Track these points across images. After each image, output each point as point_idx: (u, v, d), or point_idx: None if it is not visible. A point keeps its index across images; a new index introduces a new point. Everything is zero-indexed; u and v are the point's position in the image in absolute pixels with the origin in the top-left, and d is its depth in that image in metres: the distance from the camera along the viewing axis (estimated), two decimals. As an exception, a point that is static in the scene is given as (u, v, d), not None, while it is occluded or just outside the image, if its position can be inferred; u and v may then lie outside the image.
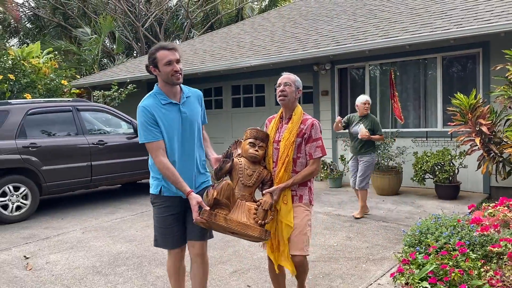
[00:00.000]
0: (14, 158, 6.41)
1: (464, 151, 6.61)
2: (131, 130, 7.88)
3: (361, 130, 5.96)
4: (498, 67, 5.98)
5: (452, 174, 6.80)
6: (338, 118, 6.06)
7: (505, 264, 3.61)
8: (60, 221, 6.43)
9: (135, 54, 23.42)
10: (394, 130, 7.80)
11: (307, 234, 2.90)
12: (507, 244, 3.51)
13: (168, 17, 21.96)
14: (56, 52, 14.09)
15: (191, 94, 2.91)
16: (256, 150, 2.84)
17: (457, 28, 6.61)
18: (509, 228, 3.76)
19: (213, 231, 2.92)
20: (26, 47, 12.48)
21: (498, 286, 3.37)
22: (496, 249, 3.60)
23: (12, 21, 21.62)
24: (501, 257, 3.72)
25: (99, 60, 17.87)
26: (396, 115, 7.43)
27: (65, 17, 21.64)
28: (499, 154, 6.08)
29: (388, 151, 7.52)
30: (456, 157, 6.89)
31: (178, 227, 2.86)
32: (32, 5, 22.18)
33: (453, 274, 3.23)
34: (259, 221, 2.65)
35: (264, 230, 2.66)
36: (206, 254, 2.94)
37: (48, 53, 12.63)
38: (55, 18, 21.40)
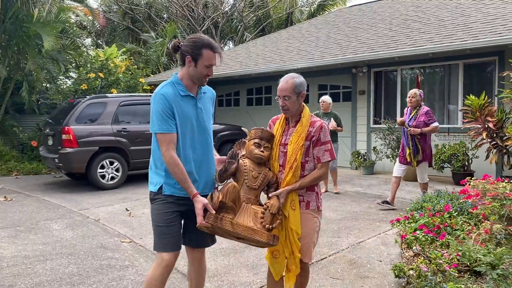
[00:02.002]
0: (111, 139, 8.14)
1: (476, 144, 7.66)
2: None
3: (331, 122, 7.42)
4: (505, 74, 7.01)
5: (465, 163, 7.86)
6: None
7: (480, 222, 4.79)
8: (143, 189, 8.09)
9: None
10: (419, 125, 8.90)
11: (314, 242, 2.78)
12: (480, 207, 4.68)
13: (223, 21, 23.61)
14: (129, 53, 16.06)
15: (207, 91, 2.75)
16: (262, 151, 2.67)
17: (473, 40, 7.66)
18: (487, 197, 4.89)
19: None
20: (103, 49, 14.44)
21: (475, 239, 4.58)
22: (475, 211, 4.78)
23: (85, 23, 24.05)
24: (478, 217, 4.91)
25: (162, 60, 19.80)
26: (420, 112, 8.55)
27: (133, 20, 23.85)
28: (504, 146, 7.11)
29: (413, 143, 8.65)
30: (469, 149, 7.92)
31: (179, 227, 2.63)
32: (104, 9, 24.56)
33: (429, 219, 4.46)
34: (267, 225, 2.49)
35: (272, 235, 2.50)
36: (204, 259, 2.84)
37: (122, 54, 14.55)
38: (124, 22, 23.64)
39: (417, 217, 5.00)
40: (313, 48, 11.45)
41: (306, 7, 25.24)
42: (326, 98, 7.65)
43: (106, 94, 8.95)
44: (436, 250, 4.14)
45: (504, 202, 4.73)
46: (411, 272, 3.59)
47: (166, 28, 19.39)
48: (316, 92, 11.44)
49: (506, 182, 5.06)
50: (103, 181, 8.07)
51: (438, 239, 4.37)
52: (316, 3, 23.97)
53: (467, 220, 4.91)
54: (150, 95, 9.65)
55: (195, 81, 2.57)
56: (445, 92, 9.09)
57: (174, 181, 2.53)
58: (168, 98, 2.48)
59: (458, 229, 4.71)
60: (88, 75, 10.73)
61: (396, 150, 8.79)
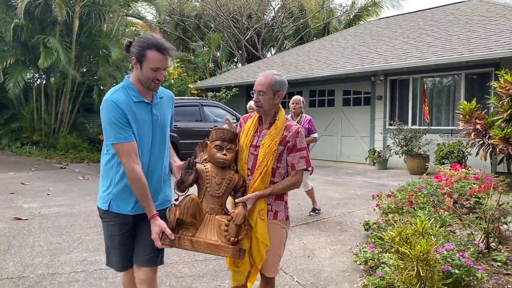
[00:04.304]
0: (164, 134, 9.88)
1: (468, 142, 8.77)
2: (235, 121, 11.05)
3: None
4: (491, 83, 8.10)
5: (460, 159, 8.96)
6: (226, 116, 7.19)
7: (443, 200, 6.03)
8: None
9: (235, 60, 27.16)
10: (424, 127, 10.06)
11: (281, 255, 2.57)
12: (446, 188, 5.92)
13: (265, 31, 25.21)
14: (180, 61, 17.98)
15: (164, 95, 2.47)
16: (224, 154, 2.41)
17: (468, 54, 8.76)
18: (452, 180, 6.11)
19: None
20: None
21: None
22: (442, 191, 6.03)
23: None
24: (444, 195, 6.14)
25: (208, 66, 21.69)
26: (425, 115, 9.73)
27: (183, 30, 25.96)
28: (490, 145, 8.20)
29: (419, 142, 9.83)
30: (465, 148, 9.02)
31: (128, 247, 2.38)
32: (159, 21, 26.85)
33: (406, 196, 5.77)
34: (231, 238, 2.24)
35: (237, 249, 2.26)
36: (155, 282, 2.45)
37: (175, 62, 16.45)
38: (176, 32, 25.79)
39: (397, 195, 6.29)
40: (338, 58, 12.77)
41: (343, 18, 26.37)
42: (250, 103, 7.09)
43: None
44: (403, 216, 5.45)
45: (462, 183, 5.98)
46: (374, 225, 4.96)
47: (211, 37, 21.24)
48: (341, 96, 12.75)
49: (466, 169, 6.28)
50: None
51: (404, 208, 5.66)
52: (352, 14, 25.08)
53: (435, 198, 6.16)
54: (197, 98, 11.37)
55: (145, 86, 2.29)
56: (450, 98, 10.18)
57: (122, 197, 2.31)
58: (120, 105, 2.22)
59: (426, 203, 5.98)
60: (146, 81, 12.57)
61: (403, 147, 10.00)
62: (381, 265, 3.82)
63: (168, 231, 2.21)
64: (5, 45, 12.78)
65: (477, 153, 8.53)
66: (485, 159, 8.41)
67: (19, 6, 11.46)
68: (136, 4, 15.19)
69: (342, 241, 4.82)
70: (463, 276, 3.31)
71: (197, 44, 22.79)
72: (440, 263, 3.28)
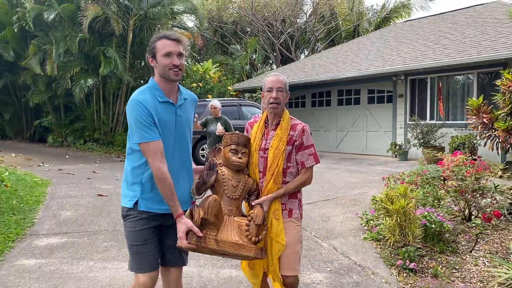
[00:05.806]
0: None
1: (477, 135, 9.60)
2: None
3: (218, 127, 6.96)
4: (497, 81, 8.92)
5: (471, 149, 9.80)
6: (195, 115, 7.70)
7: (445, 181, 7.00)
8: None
9: (270, 62, 28.38)
10: (441, 122, 10.92)
11: (299, 252, 2.57)
12: (447, 171, 6.90)
13: (298, 34, 26.30)
14: (218, 65, 19.43)
15: (188, 97, 2.49)
16: (240, 157, 2.48)
17: (477, 55, 9.58)
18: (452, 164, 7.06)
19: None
20: (201, 62, 17.79)
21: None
22: (444, 174, 7.01)
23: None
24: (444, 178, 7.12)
25: (245, 69, 23.05)
26: (440, 110, 10.61)
27: (221, 36, 27.45)
28: (496, 136, 9.02)
29: (435, 135, 10.71)
30: (475, 139, 9.84)
31: (156, 243, 2.35)
32: (199, 27, 28.48)
33: (413, 179, 6.80)
34: (253, 238, 2.31)
35: (259, 248, 2.33)
36: (181, 281, 2.51)
37: (215, 66, 17.89)
38: (214, 37, 27.32)
39: (405, 178, 7.31)
40: (363, 60, 13.74)
41: (373, 19, 27.00)
42: (216, 104, 7.32)
43: (205, 99, 12.14)
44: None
45: (461, 168, 6.95)
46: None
47: (248, 42, 22.58)
48: (366, 95, 13.72)
49: (464, 156, 7.22)
50: (203, 159, 11.19)
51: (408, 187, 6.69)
52: (382, 16, 25.72)
53: (428, 176, 7.15)
54: (235, 99, 12.65)
55: (165, 77, 2.30)
56: (464, 95, 10.99)
57: (151, 196, 2.30)
58: (146, 105, 2.23)
59: (429, 184, 6.98)
60: (191, 84, 14.05)
61: (420, 140, 10.91)
62: (378, 223, 4.95)
63: (195, 229, 2.21)
64: (71, 56, 14.53)
65: (485, 144, 9.35)
66: (492, 150, 9.21)
67: (84, 22, 13.12)
68: (181, 15, 16.68)
69: (354, 211, 5.94)
70: (436, 229, 4.39)
71: (235, 47, 24.22)
72: (419, 219, 4.38)
